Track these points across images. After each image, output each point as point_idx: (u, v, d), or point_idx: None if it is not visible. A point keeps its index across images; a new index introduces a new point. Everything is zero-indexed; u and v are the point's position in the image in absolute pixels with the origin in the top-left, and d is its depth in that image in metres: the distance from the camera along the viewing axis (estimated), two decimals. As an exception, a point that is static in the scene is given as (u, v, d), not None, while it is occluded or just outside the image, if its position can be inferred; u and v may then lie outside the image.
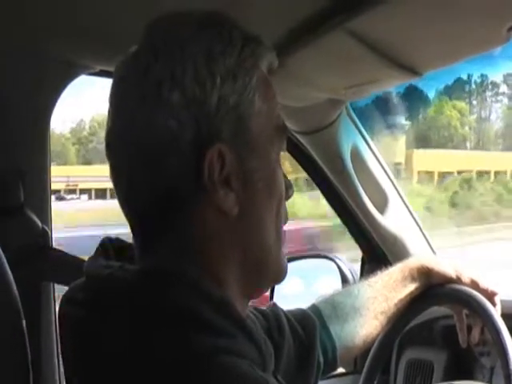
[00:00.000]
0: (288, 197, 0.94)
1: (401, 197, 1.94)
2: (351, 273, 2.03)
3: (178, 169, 0.83)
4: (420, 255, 1.54)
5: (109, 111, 0.88)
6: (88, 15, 1.25)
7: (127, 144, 0.85)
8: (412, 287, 1.37)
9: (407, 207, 1.95)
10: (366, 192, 1.88)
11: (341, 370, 2.06)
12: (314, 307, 1.30)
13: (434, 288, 1.39)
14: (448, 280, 1.38)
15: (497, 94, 15.46)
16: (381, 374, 1.56)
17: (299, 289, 2.09)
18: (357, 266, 2.10)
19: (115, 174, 0.88)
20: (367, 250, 2.04)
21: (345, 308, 1.31)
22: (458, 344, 1.46)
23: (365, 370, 1.51)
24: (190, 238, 0.85)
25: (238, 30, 0.88)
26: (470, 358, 1.73)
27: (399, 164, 10.95)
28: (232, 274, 0.88)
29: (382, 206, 1.91)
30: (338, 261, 2.06)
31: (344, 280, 2.02)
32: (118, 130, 0.86)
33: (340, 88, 1.50)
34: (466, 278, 1.37)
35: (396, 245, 1.92)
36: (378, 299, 1.34)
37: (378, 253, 1.99)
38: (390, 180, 1.91)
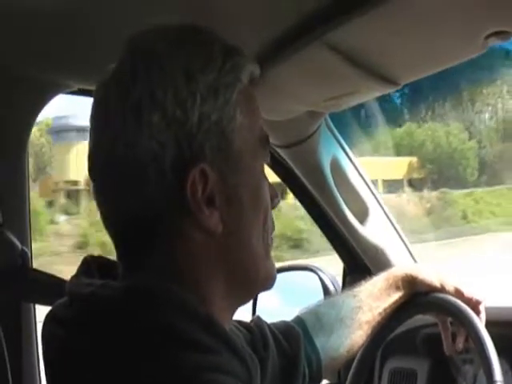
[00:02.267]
0: (274, 206, 0.94)
1: (381, 207, 1.94)
2: (333, 284, 2.03)
3: (161, 190, 0.82)
4: (403, 264, 1.55)
5: (90, 133, 0.87)
6: (67, 35, 1.25)
7: (109, 165, 0.85)
8: (396, 296, 1.38)
9: (388, 217, 1.95)
10: (346, 203, 1.88)
11: (325, 381, 2.06)
12: (297, 319, 1.30)
13: (418, 297, 1.40)
14: (432, 288, 1.38)
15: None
16: (364, 384, 1.56)
17: (276, 304, 2.07)
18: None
19: (98, 194, 0.87)
20: (349, 261, 2.04)
21: (329, 319, 1.31)
22: (441, 352, 1.47)
23: (348, 380, 1.51)
24: (175, 257, 0.85)
25: (217, 44, 0.88)
26: (453, 366, 1.73)
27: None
28: (219, 291, 0.87)
29: (362, 216, 1.91)
30: (319, 272, 2.06)
31: (326, 292, 2.01)
32: (100, 152, 0.86)
33: (320, 100, 1.50)
34: (450, 287, 1.37)
35: (378, 255, 1.92)
36: (363, 309, 1.34)
37: (360, 264, 1.98)
38: (371, 191, 1.92)
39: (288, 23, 1.23)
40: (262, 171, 0.92)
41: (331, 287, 2.02)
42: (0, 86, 1.38)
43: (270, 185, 0.94)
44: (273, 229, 0.94)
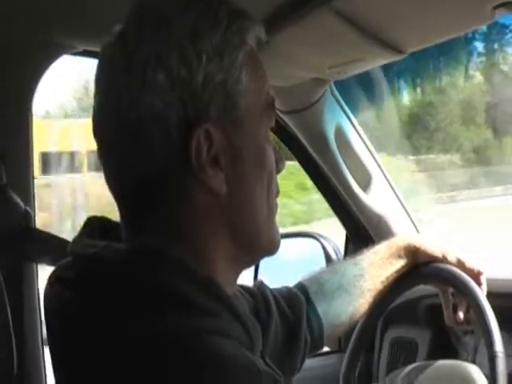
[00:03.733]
0: (279, 170, 0.94)
1: (385, 176, 1.94)
2: (335, 252, 2.03)
3: (165, 150, 0.82)
4: (406, 234, 1.54)
5: (95, 94, 0.87)
6: None
7: (114, 124, 0.84)
8: (398, 265, 1.38)
9: (391, 186, 1.95)
10: (350, 171, 1.89)
11: (326, 348, 2.07)
12: (300, 285, 1.30)
13: (419, 267, 1.39)
14: (434, 259, 1.38)
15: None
16: (365, 353, 1.57)
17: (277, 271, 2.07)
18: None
19: (102, 153, 0.87)
20: (351, 229, 2.04)
21: (331, 286, 1.31)
22: (442, 323, 1.47)
23: (349, 348, 1.51)
24: (179, 218, 0.85)
25: (224, 6, 0.87)
26: (454, 336, 1.74)
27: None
28: (222, 252, 0.87)
29: (366, 185, 1.92)
30: (322, 240, 2.06)
31: (328, 259, 2.02)
32: (104, 111, 0.86)
33: (325, 67, 1.50)
34: (452, 258, 1.37)
35: (380, 224, 1.93)
36: (365, 277, 1.34)
37: (363, 232, 1.99)
38: (375, 159, 1.91)
39: (295, -12, 1.22)
40: (267, 135, 0.91)
41: (333, 255, 2.03)
42: (4, 48, 1.37)
43: (275, 149, 0.93)
44: (277, 193, 0.94)
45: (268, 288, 1.22)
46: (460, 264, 1.36)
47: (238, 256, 0.90)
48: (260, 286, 1.21)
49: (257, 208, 0.89)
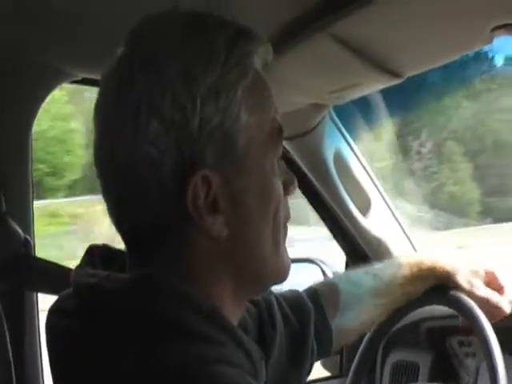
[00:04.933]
0: (289, 193, 0.90)
1: (384, 199, 1.94)
2: (336, 277, 2.03)
3: (162, 199, 0.80)
4: (438, 254, 1.43)
5: (94, 125, 0.85)
6: (72, 23, 1.24)
7: (110, 167, 0.83)
8: (421, 288, 1.31)
9: (391, 210, 1.95)
10: (349, 195, 1.89)
11: (327, 373, 2.06)
12: (312, 291, 1.26)
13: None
14: (461, 290, 1.30)
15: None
16: (367, 377, 1.55)
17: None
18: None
19: (104, 194, 0.85)
20: (351, 253, 2.04)
21: (347, 297, 1.27)
22: (443, 345, 1.46)
23: (351, 373, 1.50)
24: (182, 261, 0.83)
25: (224, 31, 0.83)
26: (456, 359, 1.73)
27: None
28: (228, 293, 0.86)
29: (365, 209, 1.92)
30: (321, 265, 2.06)
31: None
32: (101, 150, 0.84)
33: (324, 92, 1.50)
34: (482, 292, 1.30)
35: (380, 247, 1.92)
36: (382, 292, 1.29)
37: (362, 256, 1.98)
38: (374, 183, 1.91)
39: (293, 14, 1.22)
40: (273, 166, 0.86)
41: (333, 280, 2.02)
42: (5, 74, 1.37)
43: (286, 171, 0.91)
44: (287, 218, 0.90)
45: (274, 296, 1.18)
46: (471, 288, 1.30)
47: (244, 292, 0.88)
48: (266, 296, 1.17)
49: (261, 244, 0.86)
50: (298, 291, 1.25)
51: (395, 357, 1.93)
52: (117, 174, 0.82)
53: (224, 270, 0.85)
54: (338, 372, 2.06)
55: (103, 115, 0.84)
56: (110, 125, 0.82)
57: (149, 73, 0.80)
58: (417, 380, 1.84)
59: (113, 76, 0.83)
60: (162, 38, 0.83)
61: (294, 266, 1.97)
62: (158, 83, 0.79)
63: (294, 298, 1.22)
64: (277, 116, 0.88)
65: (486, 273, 1.32)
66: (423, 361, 1.84)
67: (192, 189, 0.79)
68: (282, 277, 0.91)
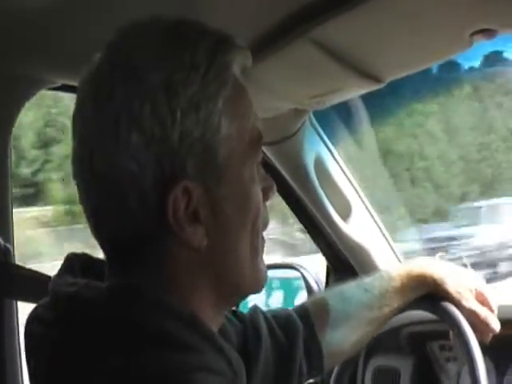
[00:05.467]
0: (267, 198, 0.91)
1: (365, 205, 1.94)
2: (317, 283, 2.02)
3: (141, 210, 0.79)
4: (428, 262, 1.41)
5: (72, 133, 0.84)
6: (51, 30, 1.24)
7: (89, 177, 0.82)
8: (411, 297, 1.30)
9: (372, 216, 1.95)
10: (330, 201, 1.88)
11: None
12: (302, 308, 1.27)
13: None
14: (451, 301, 1.29)
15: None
16: (348, 383, 1.55)
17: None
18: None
19: (82, 201, 0.85)
20: (333, 259, 2.03)
21: (337, 314, 1.27)
22: (424, 350, 1.46)
23: (332, 378, 1.50)
24: (161, 271, 0.83)
25: (204, 40, 0.83)
26: (437, 364, 1.74)
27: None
28: (207, 302, 0.86)
29: (346, 215, 1.91)
30: (303, 271, 2.05)
31: (309, 290, 2.01)
32: (79, 159, 0.83)
33: (304, 97, 1.51)
34: (471, 304, 1.29)
35: (362, 254, 1.92)
36: (374, 307, 1.28)
37: (344, 262, 1.98)
38: (355, 189, 1.92)
39: (273, 19, 1.22)
40: (253, 173, 0.87)
41: (314, 286, 2.02)
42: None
43: (265, 177, 0.91)
44: (265, 225, 0.91)
45: (261, 312, 1.19)
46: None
47: (223, 300, 0.88)
48: (253, 312, 1.18)
49: (240, 254, 0.86)
50: (287, 309, 1.25)
51: (376, 362, 1.93)
52: (96, 183, 0.81)
53: (203, 279, 0.84)
54: (320, 378, 2.06)
55: (81, 124, 0.83)
56: (88, 132, 0.81)
57: (128, 84, 0.79)
58: (398, 385, 1.85)
59: (90, 86, 0.82)
60: (142, 49, 0.82)
61: (275, 272, 1.97)
62: (137, 93, 0.78)
63: (282, 315, 1.22)
64: (256, 123, 0.88)
65: (477, 292, 1.31)
66: (404, 366, 1.84)
67: (172, 201, 0.79)
68: (258, 287, 0.92)
